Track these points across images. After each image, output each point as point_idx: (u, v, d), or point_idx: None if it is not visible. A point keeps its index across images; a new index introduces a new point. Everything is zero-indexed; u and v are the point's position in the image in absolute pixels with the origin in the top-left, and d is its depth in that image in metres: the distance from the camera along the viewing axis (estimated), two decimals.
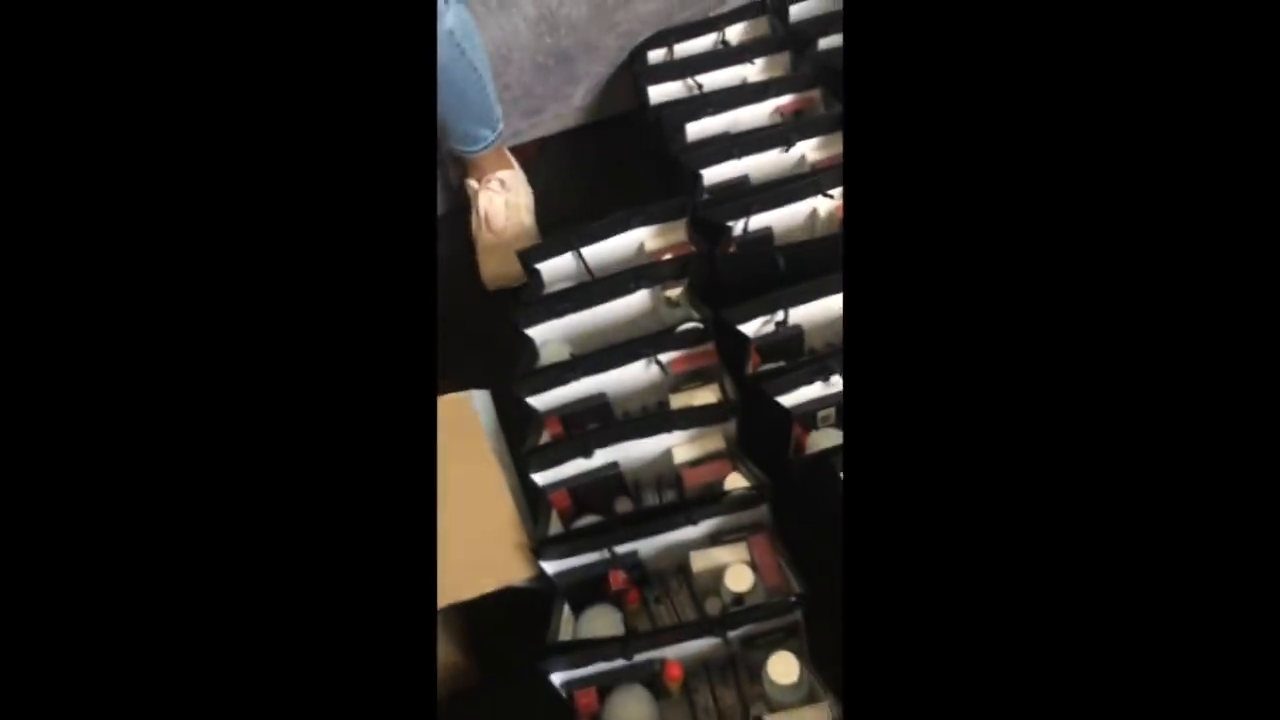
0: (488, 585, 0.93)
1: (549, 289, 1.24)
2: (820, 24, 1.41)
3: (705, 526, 0.97)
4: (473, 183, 1.41)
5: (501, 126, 1.36)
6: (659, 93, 1.41)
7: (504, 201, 1.40)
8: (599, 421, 1.11)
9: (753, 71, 1.43)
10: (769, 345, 1.10)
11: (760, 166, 1.29)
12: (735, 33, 1.48)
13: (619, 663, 0.88)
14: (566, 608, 0.96)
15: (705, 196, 1.25)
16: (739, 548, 0.95)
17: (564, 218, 1.38)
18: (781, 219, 1.22)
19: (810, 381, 1.03)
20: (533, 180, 1.46)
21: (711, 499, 0.96)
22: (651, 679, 0.90)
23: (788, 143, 1.27)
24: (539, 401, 1.09)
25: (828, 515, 0.87)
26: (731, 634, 0.89)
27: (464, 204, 1.44)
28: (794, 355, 1.13)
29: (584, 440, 1.03)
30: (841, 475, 0.90)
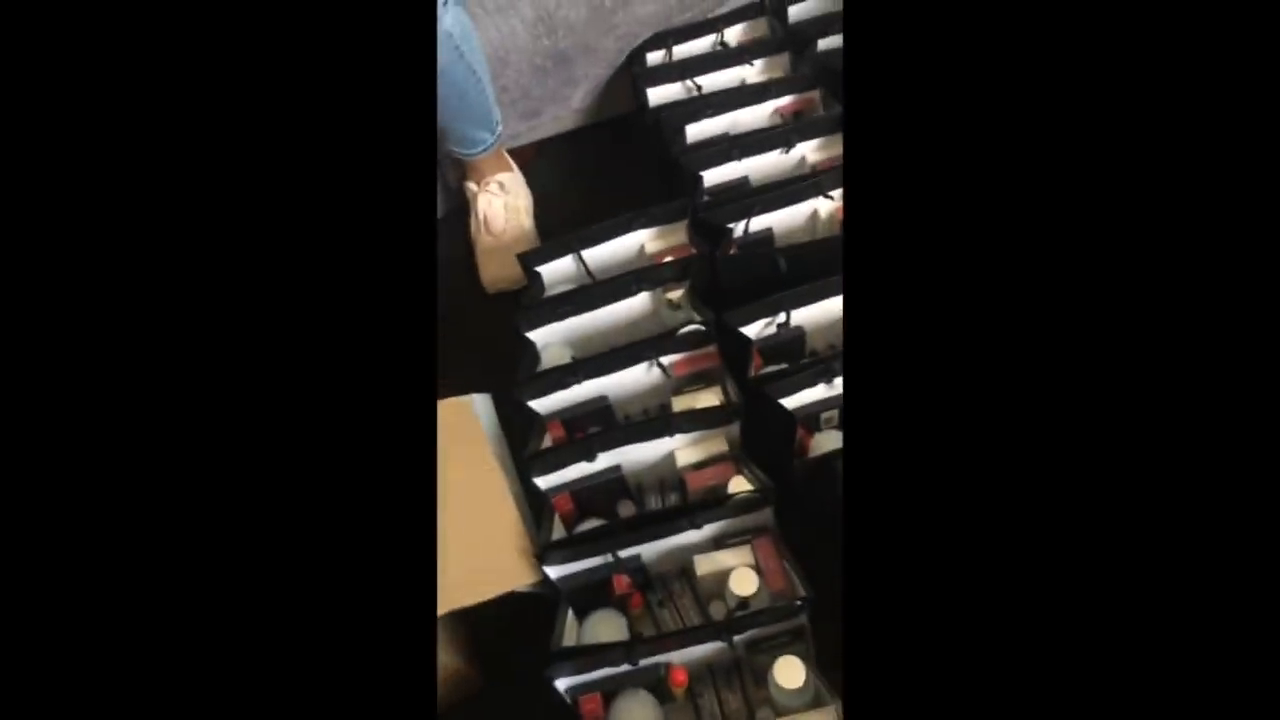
0: (490, 591, 0.92)
1: (549, 292, 1.24)
2: (820, 25, 1.41)
3: (709, 530, 0.97)
4: (472, 185, 1.40)
5: (500, 129, 1.35)
6: (658, 94, 1.41)
7: (503, 204, 1.40)
8: (601, 425, 1.11)
9: (752, 73, 1.42)
10: (771, 347, 1.10)
11: (760, 168, 1.29)
12: (734, 34, 1.48)
13: (624, 668, 0.87)
14: (570, 613, 0.96)
15: (706, 198, 1.24)
16: (743, 551, 0.95)
17: (563, 220, 1.37)
18: (782, 220, 1.22)
19: (813, 383, 1.03)
20: (532, 183, 1.46)
21: (715, 502, 0.96)
22: (656, 684, 0.90)
23: (788, 144, 1.27)
24: (540, 405, 1.09)
25: (832, 518, 0.86)
26: (737, 638, 0.89)
27: (463, 207, 1.43)
28: (796, 357, 1.13)
29: (586, 444, 1.03)
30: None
